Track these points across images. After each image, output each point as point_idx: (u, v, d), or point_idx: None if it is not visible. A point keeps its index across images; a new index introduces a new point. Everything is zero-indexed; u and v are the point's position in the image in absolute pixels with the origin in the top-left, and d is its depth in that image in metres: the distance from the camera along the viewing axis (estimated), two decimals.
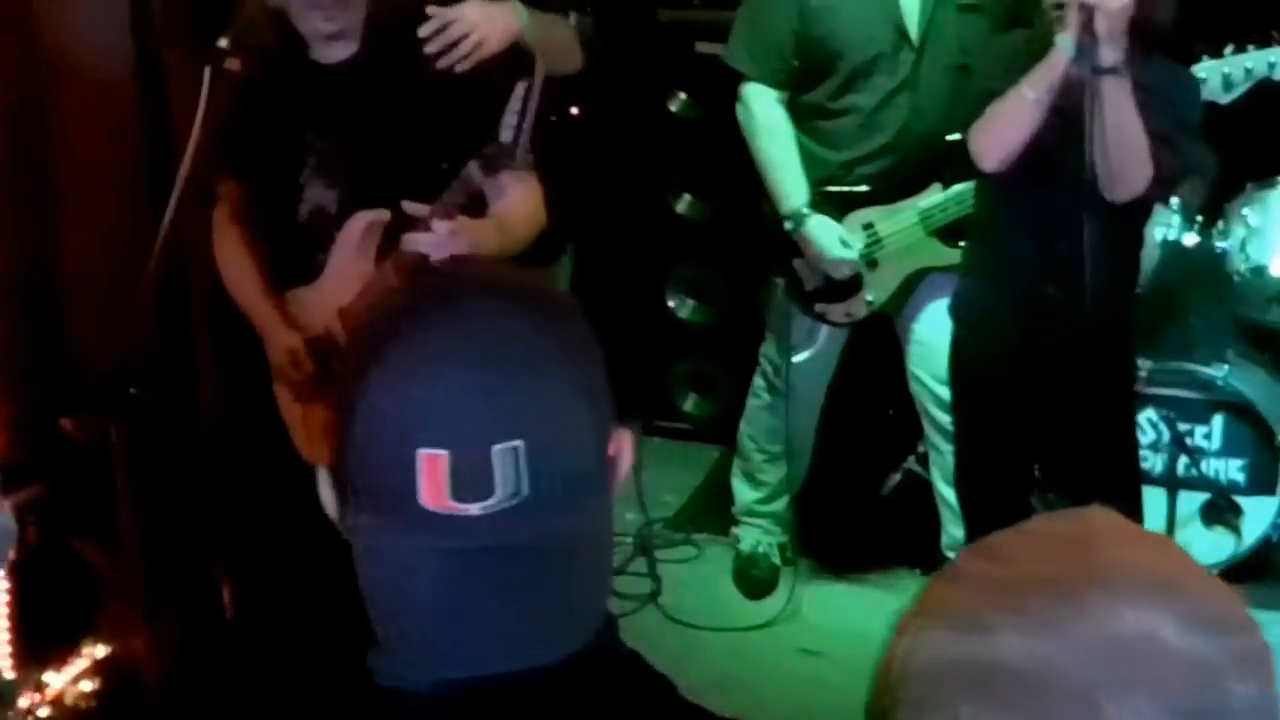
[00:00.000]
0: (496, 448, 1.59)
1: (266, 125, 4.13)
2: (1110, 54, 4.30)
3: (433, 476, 1.60)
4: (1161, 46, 4.57)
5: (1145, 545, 1.43)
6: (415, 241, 3.78)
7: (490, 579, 1.62)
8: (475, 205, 3.88)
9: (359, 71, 4.03)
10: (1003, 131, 4.56)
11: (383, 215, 3.87)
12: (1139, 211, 4.56)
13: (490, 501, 1.60)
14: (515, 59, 3.85)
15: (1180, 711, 1.31)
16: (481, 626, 1.64)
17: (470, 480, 1.59)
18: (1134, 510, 4.92)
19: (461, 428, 1.59)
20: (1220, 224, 6.28)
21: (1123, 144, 4.35)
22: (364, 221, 3.90)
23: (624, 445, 1.77)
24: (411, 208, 3.79)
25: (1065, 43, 4.32)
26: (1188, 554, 1.43)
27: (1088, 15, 4.24)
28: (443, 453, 1.59)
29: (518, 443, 1.60)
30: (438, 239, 3.76)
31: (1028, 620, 1.35)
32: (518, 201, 4.09)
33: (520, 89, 3.68)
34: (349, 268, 3.92)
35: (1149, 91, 4.42)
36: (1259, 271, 6.19)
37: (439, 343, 1.63)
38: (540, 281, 1.88)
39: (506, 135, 3.70)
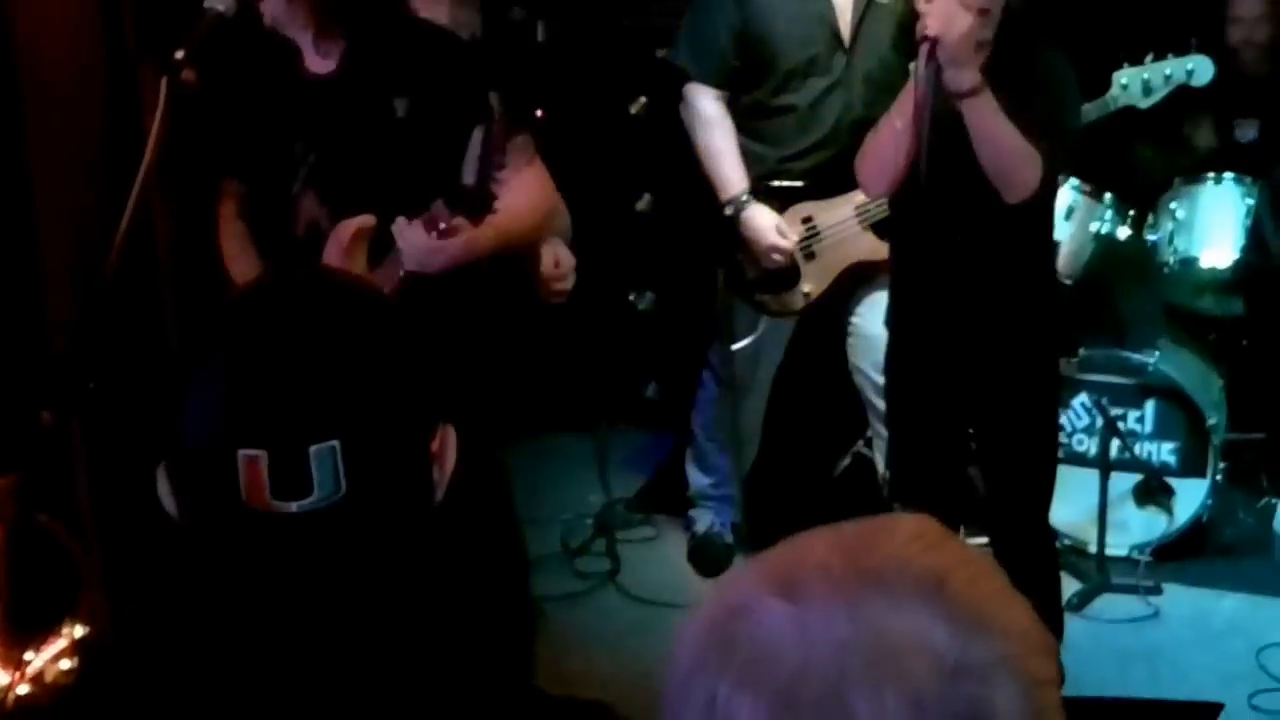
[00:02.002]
0: (313, 447, 1.60)
1: (258, 133, 4.10)
2: (961, 78, 4.34)
3: (252, 476, 1.60)
4: (1035, 38, 4.57)
5: (935, 549, 1.38)
6: (401, 253, 3.80)
7: (311, 574, 1.64)
8: (477, 209, 3.83)
9: (341, 87, 3.97)
10: (879, 160, 4.59)
11: (368, 221, 3.86)
12: (1038, 201, 4.56)
13: (308, 500, 1.60)
14: (472, 102, 3.82)
15: (933, 711, 1.28)
16: (302, 619, 1.65)
17: (288, 479, 1.60)
18: (1048, 482, 4.99)
19: (278, 428, 1.59)
20: (1151, 218, 6.36)
21: (998, 155, 4.39)
22: (351, 229, 3.89)
23: (446, 441, 1.77)
24: (404, 229, 3.79)
25: (918, 71, 4.34)
26: (983, 560, 1.41)
27: (931, 46, 4.28)
28: (260, 453, 1.60)
29: (334, 442, 1.60)
30: (417, 253, 3.79)
31: (797, 609, 1.33)
32: (518, 197, 4.09)
33: (478, 133, 3.63)
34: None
35: (1029, 87, 4.44)
36: (1188, 262, 6.28)
37: (257, 346, 1.64)
38: (364, 285, 1.89)
39: (469, 179, 3.65)
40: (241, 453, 1.61)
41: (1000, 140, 4.37)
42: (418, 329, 1.74)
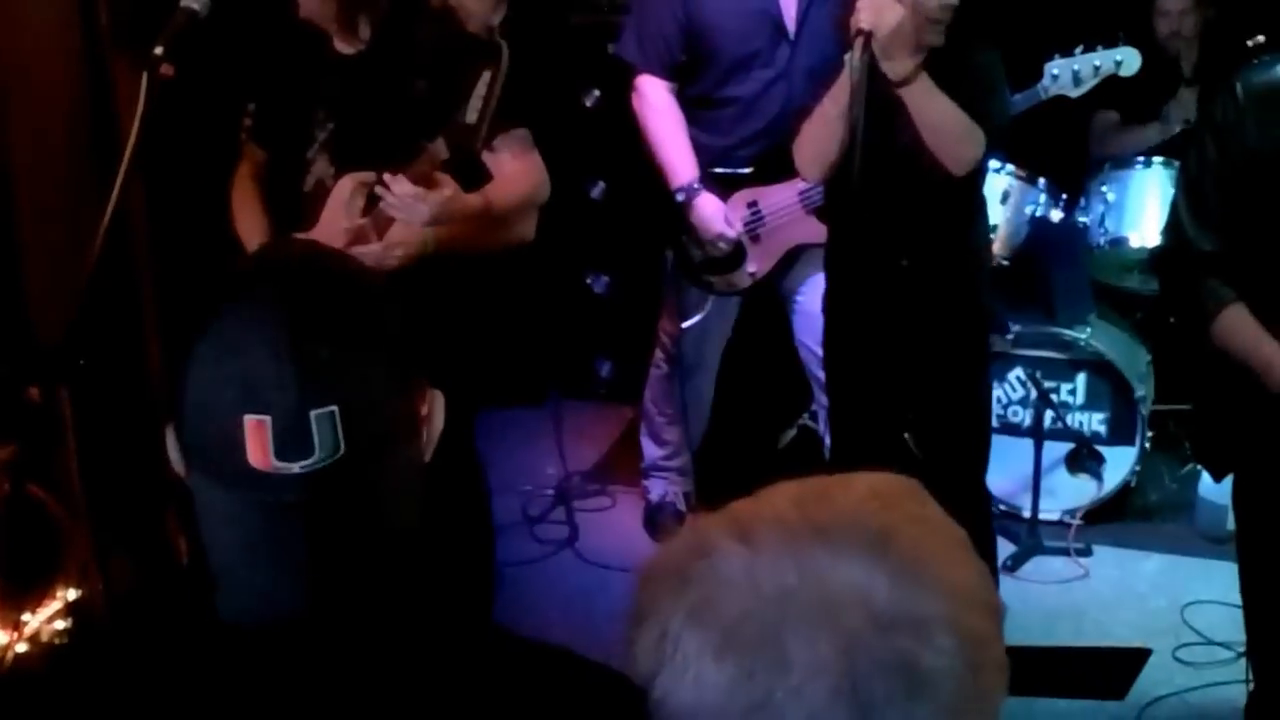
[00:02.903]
0: (314, 412, 1.68)
1: (285, 104, 4.32)
2: (895, 68, 4.42)
3: (258, 440, 1.66)
4: (971, 37, 4.64)
5: (888, 508, 1.45)
6: (387, 204, 3.95)
7: (310, 528, 1.69)
8: (471, 178, 4.01)
9: (365, 65, 4.19)
10: (813, 147, 4.68)
11: (368, 177, 4.00)
12: (964, 189, 4.67)
13: (310, 460, 1.67)
14: (482, 48, 3.96)
15: (865, 660, 1.35)
16: (300, 570, 1.72)
17: (292, 442, 1.67)
18: (982, 447, 5.09)
19: (282, 395, 1.66)
20: (1082, 200, 6.47)
21: (940, 132, 4.48)
22: (352, 182, 4.03)
23: (434, 405, 1.85)
24: (390, 181, 3.94)
25: (853, 62, 4.38)
26: (935, 520, 1.48)
27: (866, 38, 4.34)
28: (266, 418, 1.68)
29: (333, 407, 1.69)
30: (402, 202, 3.93)
31: (750, 554, 1.41)
32: (510, 179, 4.25)
33: (486, 75, 3.76)
34: (337, 222, 4.05)
35: (961, 80, 4.53)
36: (1117, 243, 6.39)
37: (258, 319, 1.70)
38: (352, 264, 1.96)
39: (471, 117, 3.78)
40: (247, 417, 1.67)
41: (941, 118, 4.47)
42: (403, 301, 1.82)
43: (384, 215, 3.99)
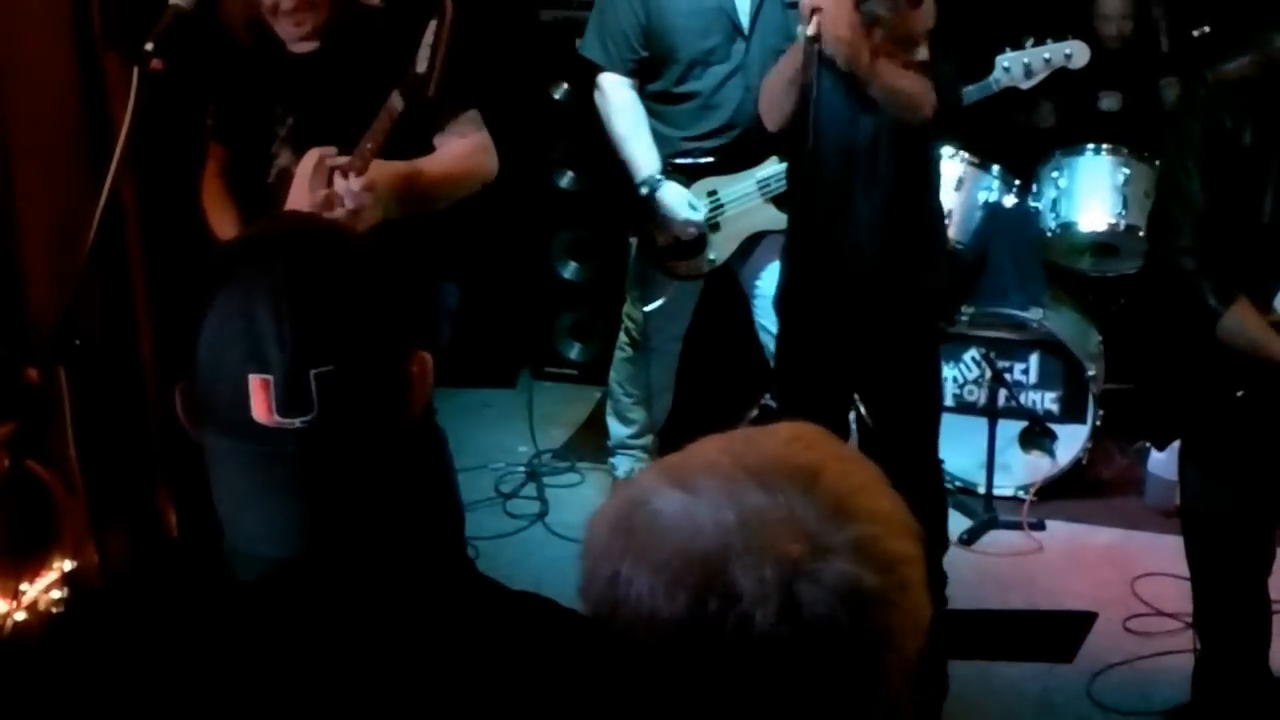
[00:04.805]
0: (314, 372, 1.84)
1: (245, 102, 4.47)
2: (841, 49, 4.58)
3: (262, 397, 1.81)
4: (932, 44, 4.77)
5: (811, 449, 1.53)
6: (337, 187, 4.08)
7: (309, 478, 1.80)
8: (426, 92, 4.12)
9: (320, 62, 4.34)
10: (771, 102, 4.86)
11: (330, 151, 4.13)
12: (920, 175, 4.81)
13: (309, 416, 1.83)
14: (426, 5, 4.08)
15: (806, 584, 1.43)
16: (299, 515, 1.82)
17: (293, 399, 1.82)
18: (932, 426, 5.17)
19: (284, 357, 1.80)
20: (1034, 186, 6.58)
21: (892, 94, 4.66)
22: (315, 156, 4.15)
23: (425, 365, 1.92)
24: (344, 157, 4.09)
25: (803, 37, 4.57)
26: (855, 457, 1.57)
27: (816, 15, 4.52)
28: (269, 377, 1.83)
29: (331, 367, 1.77)
30: (349, 192, 4.05)
31: (689, 497, 1.49)
32: (451, 152, 4.39)
33: (433, 25, 3.92)
34: (303, 195, 4.16)
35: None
36: (1068, 227, 6.49)
37: (264, 285, 1.78)
38: (352, 233, 2.09)
39: (421, 66, 3.93)
40: (252, 376, 1.77)
41: (892, 81, 4.64)
42: (393, 268, 1.98)
43: (335, 193, 4.13)
